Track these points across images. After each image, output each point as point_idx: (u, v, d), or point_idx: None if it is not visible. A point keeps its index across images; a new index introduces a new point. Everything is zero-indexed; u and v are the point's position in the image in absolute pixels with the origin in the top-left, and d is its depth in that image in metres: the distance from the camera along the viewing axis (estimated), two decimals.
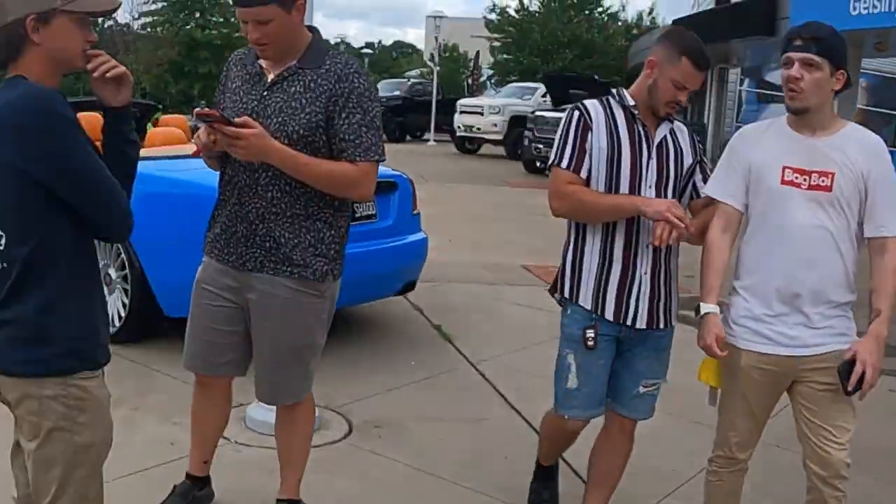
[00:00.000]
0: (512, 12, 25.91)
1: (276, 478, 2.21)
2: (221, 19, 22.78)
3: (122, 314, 3.54)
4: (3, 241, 1.43)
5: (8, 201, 1.42)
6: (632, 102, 1.94)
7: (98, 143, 3.94)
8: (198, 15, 23.13)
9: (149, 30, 24.41)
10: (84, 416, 1.48)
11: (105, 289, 3.50)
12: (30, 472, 1.53)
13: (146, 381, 3.12)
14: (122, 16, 22.55)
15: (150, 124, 5.81)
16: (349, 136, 1.87)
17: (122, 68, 1.49)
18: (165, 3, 23.13)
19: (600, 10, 26.43)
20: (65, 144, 1.39)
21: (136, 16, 24.16)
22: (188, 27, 22.66)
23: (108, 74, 1.47)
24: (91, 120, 4.66)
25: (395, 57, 58.12)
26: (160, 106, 11.73)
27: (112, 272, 3.60)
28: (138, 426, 2.70)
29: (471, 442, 2.84)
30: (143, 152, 3.97)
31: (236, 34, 19.00)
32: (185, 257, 2.53)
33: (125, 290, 3.52)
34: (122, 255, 3.51)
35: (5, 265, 1.43)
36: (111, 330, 3.53)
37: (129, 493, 2.21)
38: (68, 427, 1.47)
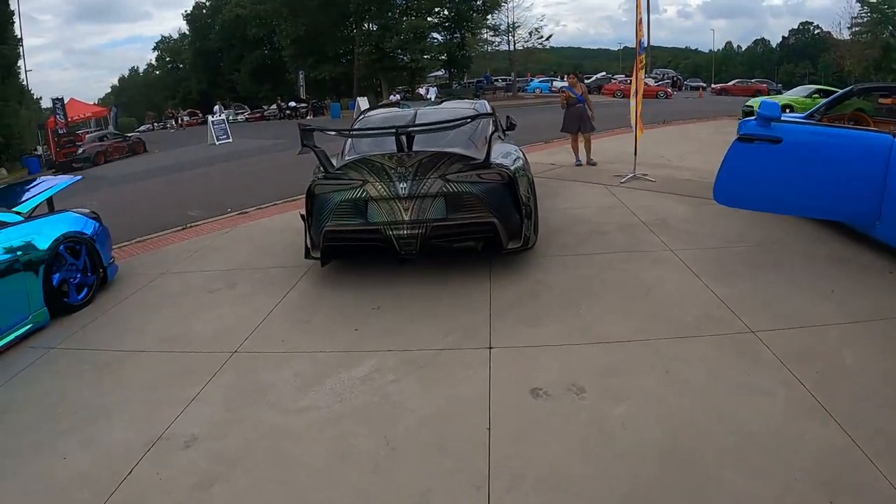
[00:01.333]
0: None
1: None
2: None
3: None
4: None
5: None
6: None
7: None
8: (891, 28, 34.27)
9: (856, 36, 38.19)
10: None
11: None
12: None
13: None
14: (835, 30, 38.74)
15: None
16: None
17: None
18: (868, 19, 35.95)
19: None
20: None
21: (849, 25, 38.62)
22: (884, 35, 34.08)
23: None
24: None
25: None
26: None
27: None
28: None
29: None
30: None
31: None
32: None
33: None
34: None
35: None
36: None
37: None
38: None
